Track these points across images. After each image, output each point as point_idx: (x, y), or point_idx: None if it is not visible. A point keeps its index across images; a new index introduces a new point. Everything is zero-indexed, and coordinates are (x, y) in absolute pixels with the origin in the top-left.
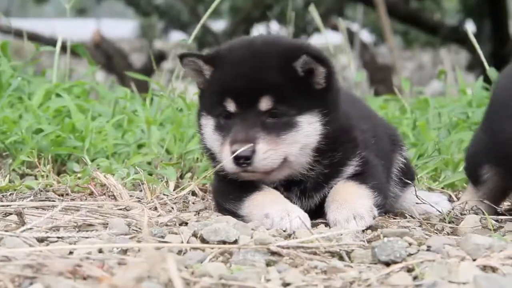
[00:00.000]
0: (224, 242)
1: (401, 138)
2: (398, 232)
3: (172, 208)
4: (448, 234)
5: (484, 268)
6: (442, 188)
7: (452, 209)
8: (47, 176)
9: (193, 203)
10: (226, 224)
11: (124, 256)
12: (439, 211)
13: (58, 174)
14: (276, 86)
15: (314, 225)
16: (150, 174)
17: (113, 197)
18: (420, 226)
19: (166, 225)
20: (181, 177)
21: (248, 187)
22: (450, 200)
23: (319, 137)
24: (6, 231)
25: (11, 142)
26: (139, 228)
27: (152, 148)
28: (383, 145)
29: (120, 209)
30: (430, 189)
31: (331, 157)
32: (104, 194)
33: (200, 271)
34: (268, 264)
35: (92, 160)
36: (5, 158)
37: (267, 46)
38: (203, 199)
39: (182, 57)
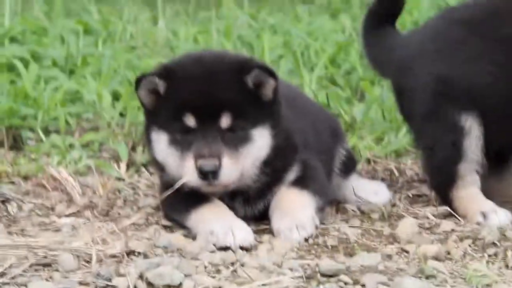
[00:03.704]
0: (169, 286)
1: (342, 130)
2: (334, 269)
3: (121, 233)
4: (386, 241)
5: None
6: (386, 154)
7: (391, 199)
8: (1, 161)
9: (144, 194)
10: (171, 268)
11: None
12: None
13: (14, 141)
14: (233, 102)
15: (258, 232)
16: (102, 145)
17: (65, 193)
18: (361, 224)
19: (115, 256)
20: (133, 148)
21: (194, 198)
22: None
23: (269, 150)
24: None
25: None
26: (88, 262)
27: (103, 115)
28: (324, 140)
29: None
30: (374, 162)
31: (274, 165)
32: (57, 188)
33: None
34: None
35: (46, 128)
36: None
37: (217, 62)
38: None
39: (139, 80)
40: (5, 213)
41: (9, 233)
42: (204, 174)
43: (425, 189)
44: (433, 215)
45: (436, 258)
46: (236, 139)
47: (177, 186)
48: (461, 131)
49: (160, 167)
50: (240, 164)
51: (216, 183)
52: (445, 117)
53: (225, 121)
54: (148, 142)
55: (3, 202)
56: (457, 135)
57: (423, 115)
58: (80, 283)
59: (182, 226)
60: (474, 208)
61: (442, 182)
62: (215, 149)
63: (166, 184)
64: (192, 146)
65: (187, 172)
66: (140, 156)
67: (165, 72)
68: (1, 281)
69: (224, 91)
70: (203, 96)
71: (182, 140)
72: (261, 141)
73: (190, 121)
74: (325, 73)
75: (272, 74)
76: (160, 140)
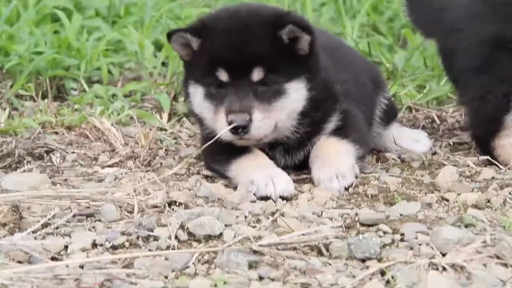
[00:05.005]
0: (210, 236)
1: (383, 79)
2: (373, 218)
3: (163, 182)
4: (427, 190)
5: (452, 265)
6: (427, 102)
7: (431, 147)
8: (45, 111)
9: (186, 144)
10: (211, 218)
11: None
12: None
13: (57, 91)
14: (266, 56)
15: (299, 181)
16: (144, 95)
17: (108, 143)
18: (401, 173)
19: (156, 206)
20: (175, 98)
21: (234, 148)
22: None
23: (305, 102)
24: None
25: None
26: (131, 212)
27: (146, 65)
28: (366, 90)
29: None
30: (415, 110)
31: (313, 116)
32: (100, 138)
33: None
34: (250, 266)
35: (89, 78)
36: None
37: (252, 17)
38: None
39: (170, 34)
40: (49, 163)
41: (53, 183)
42: (235, 129)
43: (466, 137)
44: (474, 163)
45: (476, 206)
46: (269, 93)
47: (212, 141)
48: None
49: (198, 119)
50: (273, 118)
51: (246, 137)
52: (500, 69)
53: (257, 75)
54: (186, 95)
55: (47, 152)
56: (510, 87)
57: (476, 68)
58: (123, 233)
59: (223, 176)
60: None
61: (485, 132)
62: (246, 104)
63: (206, 135)
64: (224, 100)
65: (219, 126)
66: (182, 106)
67: (199, 27)
68: (44, 231)
69: (256, 46)
70: (235, 51)
71: (216, 94)
72: (295, 95)
73: (222, 75)
74: (367, 20)
75: (307, 29)
76: (197, 94)
